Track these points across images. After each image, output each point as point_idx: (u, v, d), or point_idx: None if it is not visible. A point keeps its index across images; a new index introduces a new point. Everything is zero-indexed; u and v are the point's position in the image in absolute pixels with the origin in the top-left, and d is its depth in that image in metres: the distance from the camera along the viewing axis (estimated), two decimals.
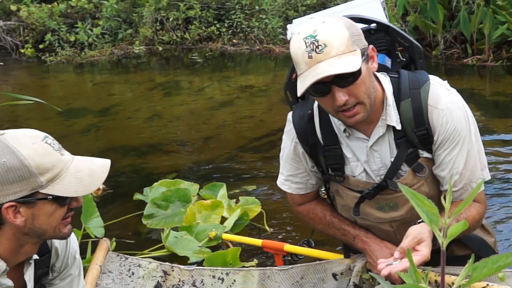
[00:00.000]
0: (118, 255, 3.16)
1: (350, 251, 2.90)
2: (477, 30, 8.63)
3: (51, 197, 1.96)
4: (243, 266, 3.73)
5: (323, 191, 2.95)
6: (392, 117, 2.44)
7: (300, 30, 2.27)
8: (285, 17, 10.79)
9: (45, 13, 11.50)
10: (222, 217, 4.49)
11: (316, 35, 2.23)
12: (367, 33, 2.51)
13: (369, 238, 2.69)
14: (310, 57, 2.23)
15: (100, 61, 10.93)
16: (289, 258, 3.27)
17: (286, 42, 10.65)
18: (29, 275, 2.15)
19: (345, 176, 2.59)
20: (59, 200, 1.99)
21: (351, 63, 2.22)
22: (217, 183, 4.97)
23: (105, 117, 7.92)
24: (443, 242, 1.14)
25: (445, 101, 2.43)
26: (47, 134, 2.02)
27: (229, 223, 4.36)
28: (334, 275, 2.91)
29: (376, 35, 2.59)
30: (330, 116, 2.51)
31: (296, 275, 2.97)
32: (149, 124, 7.52)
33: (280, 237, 4.45)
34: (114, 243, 4.00)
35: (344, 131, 2.52)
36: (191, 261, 4.03)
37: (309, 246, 3.20)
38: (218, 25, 11.14)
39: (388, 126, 2.47)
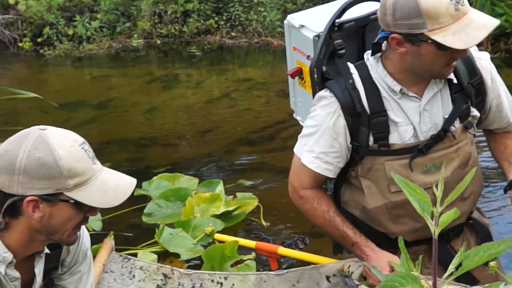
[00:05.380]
0: (120, 255, 3.17)
1: (339, 248, 2.90)
2: None
3: (73, 201, 1.99)
4: (241, 260, 3.73)
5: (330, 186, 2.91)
6: None
7: None
8: (284, 10, 10.76)
9: (43, 7, 11.47)
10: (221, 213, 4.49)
11: None
12: None
13: (367, 247, 2.67)
14: (457, 9, 2.34)
15: (98, 54, 10.91)
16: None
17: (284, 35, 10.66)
18: (39, 268, 2.16)
19: (389, 145, 2.58)
20: (79, 206, 2.01)
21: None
22: (214, 180, 4.97)
23: (103, 111, 7.92)
24: (435, 231, 1.14)
25: (483, 54, 2.67)
26: (84, 140, 2.06)
27: (225, 218, 4.37)
28: (327, 277, 2.92)
29: None
30: (377, 82, 2.55)
31: (292, 279, 2.97)
32: (147, 118, 7.52)
33: (277, 230, 4.45)
34: (112, 237, 4.00)
35: (400, 90, 2.54)
36: (183, 258, 4.03)
37: (304, 243, 3.20)
38: (216, 18, 11.12)
39: (445, 81, 2.57)
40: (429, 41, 2.37)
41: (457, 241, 2.78)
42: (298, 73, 3.01)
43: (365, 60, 2.61)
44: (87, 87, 9.41)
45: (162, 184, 4.84)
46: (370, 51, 2.61)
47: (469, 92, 2.60)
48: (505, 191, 2.76)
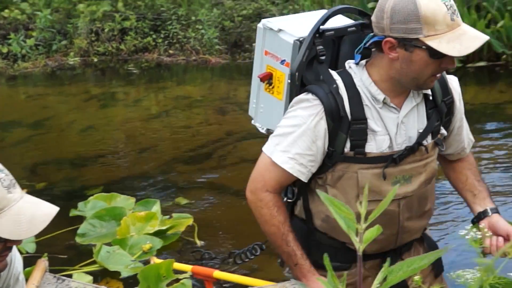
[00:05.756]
0: (54, 276, 3.10)
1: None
2: None
3: None
4: (177, 279, 3.70)
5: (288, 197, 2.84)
6: None
7: None
8: (221, 28, 10.81)
9: None
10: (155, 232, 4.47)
11: (450, 0, 2.42)
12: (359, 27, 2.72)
13: (310, 272, 2.65)
14: (452, 19, 2.39)
15: (33, 73, 10.74)
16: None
17: (222, 53, 10.68)
18: None
19: (365, 153, 2.58)
20: None
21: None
22: (151, 199, 4.92)
23: (38, 130, 7.79)
24: (360, 247, 1.15)
25: (453, 77, 2.76)
26: (3, 168, 1.98)
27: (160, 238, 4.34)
28: None
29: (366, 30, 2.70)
30: (360, 89, 2.56)
31: None
32: (84, 137, 7.42)
33: (212, 248, 4.43)
34: (46, 258, 3.92)
35: (384, 100, 2.56)
36: (123, 276, 3.99)
37: (261, 249, 3.16)
38: (154, 36, 11.08)
39: (422, 96, 2.63)
40: (423, 47, 2.40)
41: (407, 255, 2.81)
42: (268, 77, 2.99)
43: (347, 68, 2.62)
44: (22, 106, 9.24)
45: (98, 205, 4.77)
46: (351, 61, 2.63)
47: (442, 110, 2.66)
48: (473, 223, 2.80)
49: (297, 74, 2.66)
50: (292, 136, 2.57)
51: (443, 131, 2.71)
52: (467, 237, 1.47)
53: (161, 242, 4.26)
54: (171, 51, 10.89)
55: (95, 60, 10.99)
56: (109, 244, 4.30)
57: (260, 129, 3.05)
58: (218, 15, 10.88)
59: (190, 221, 4.62)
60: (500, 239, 2.65)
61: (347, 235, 2.65)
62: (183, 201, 5.32)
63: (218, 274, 3.21)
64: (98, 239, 4.46)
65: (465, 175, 2.86)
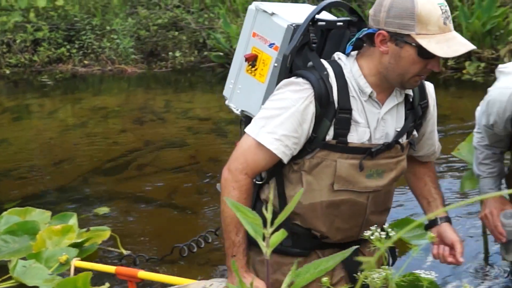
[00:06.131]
0: None
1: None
2: None
3: None
4: None
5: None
6: None
7: None
8: (137, 37, 10.74)
9: None
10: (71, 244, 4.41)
11: (446, 5, 2.51)
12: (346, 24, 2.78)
13: (242, 268, 2.66)
14: (445, 23, 2.48)
15: None
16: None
17: (138, 62, 10.61)
18: None
19: (347, 142, 2.63)
20: None
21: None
22: (68, 213, 4.84)
23: None
24: (267, 252, 1.18)
25: (429, 83, 2.85)
26: None
27: (78, 248, 4.29)
28: None
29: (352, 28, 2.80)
30: (349, 80, 2.63)
31: None
32: None
33: (138, 254, 4.41)
34: None
35: (370, 93, 2.63)
36: None
37: (206, 241, 3.13)
38: (68, 46, 10.93)
39: (404, 96, 2.72)
40: (413, 44, 2.48)
41: (366, 250, 2.87)
42: (253, 59, 2.98)
43: (336, 59, 2.68)
44: None
45: (12, 220, 4.66)
46: (339, 53, 2.69)
47: (417, 112, 2.77)
48: (426, 229, 2.96)
49: (289, 56, 2.69)
50: (280, 118, 2.58)
51: (414, 132, 2.81)
52: (371, 237, 1.53)
53: (76, 251, 4.20)
54: (86, 62, 10.76)
55: (7, 72, 10.76)
56: (24, 259, 4.22)
57: (234, 110, 3.04)
58: (133, 24, 10.81)
59: (108, 234, 4.58)
60: (446, 248, 2.81)
61: (311, 222, 2.72)
62: (102, 212, 5.26)
63: (142, 274, 3.21)
64: (11, 255, 4.36)
65: (424, 181, 2.98)
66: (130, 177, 6.26)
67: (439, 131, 3.04)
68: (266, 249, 1.19)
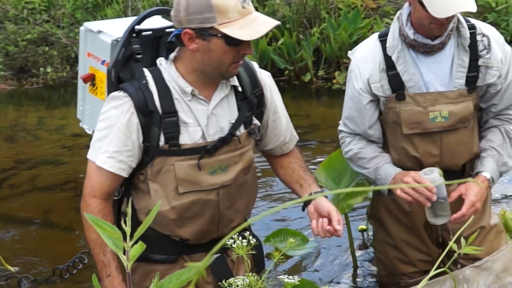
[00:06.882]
0: None
1: None
2: None
3: None
4: None
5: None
6: (234, 78, 2.74)
7: None
8: (5, 53, 10.43)
9: None
10: None
11: None
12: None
13: (120, 285, 2.67)
14: (243, 7, 2.53)
15: None
16: None
17: (8, 79, 10.29)
18: None
19: (180, 145, 2.65)
20: None
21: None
22: None
23: None
24: (128, 265, 1.21)
25: (264, 71, 2.92)
26: None
27: None
28: None
29: None
30: (169, 84, 2.66)
31: None
32: None
33: (23, 275, 4.31)
34: None
35: (192, 92, 2.65)
36: None
37: (82, 262, 3.10)
38: None
39: (231, 87, 2.75)
40: (219, 34, 2.52)
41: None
42: (91, 78, 2.98)
43: (158, 64, 2.71)
44: None
45: None
46: (162, 58, 2.73)
47: (252, 101, 2.80)
48: (303, 210, 2.91)
49: (113, 71, 2.71)
50: (110, 137, 2.64)
51: (256, 121, 2.84)
52: (233, 245, 1.58)
53: None
54: None
55: None
56: None
57: (87, 131, 3.06)
58: (1, 40, 10.49)
59: None
60: (325, 220, 2.74)
61: (169, 228, 2.74)
62: None
63: None
64: None
65: (292, 168, 3.00)
66: (3, 197, 6.08)
67: (310, 140, 3.12)
68: (127, 262, 1.22)
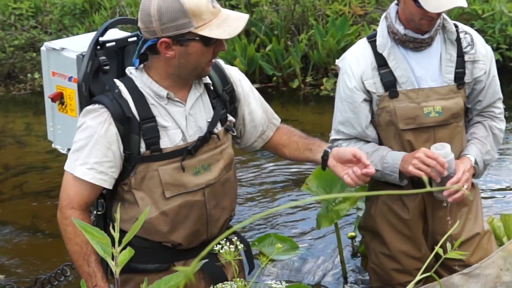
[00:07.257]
0: None
1: None
2: None
3: None
4: None
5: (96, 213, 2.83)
6: (206, 77, 2.78)
7: None
8: None
9: None
10: None
11: None
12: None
13: None
14: (214, 7, 2.57)
15: None
16: None
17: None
18: None
19: (161, 149, 2.66)
20: None
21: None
22: None
23: None
24: (116, 270, 1.21)
25: (232, 67, 2.96)
26: None
27: None
28: None
29: None
30: (143, 90, 2.67)
31: None
32: None
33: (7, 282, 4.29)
34: None
35: (167, 95, 2.67)
36: None
37: (64, 275, 3.09)
38: None
39: (203, 86, 2.78)
40: (197, 38, 2.55)
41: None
42: (59, 97, 2.98)
43: (128, 74, 2.72)
44: None
45: None
46: (131, 67, 2.73)
47: (224, 98, 2.83)
48: (324, 169, 2.91)
49: (83, 84, 2.72)
50: (88, 148, 2.62)
51: (231, 118, 2.87)
52: (221, 251, 1.59)
53: None
54: None
55: None
56: None
57: (61, 151, 3.04)
58: None
59: None
60: (355, 168, 2.73)
61: (161, 234, 2.74)
62: None
63: None
64: None
65: (295, 141, 3.02)
66: None
67: None
68: (115, 267, 1.22)
